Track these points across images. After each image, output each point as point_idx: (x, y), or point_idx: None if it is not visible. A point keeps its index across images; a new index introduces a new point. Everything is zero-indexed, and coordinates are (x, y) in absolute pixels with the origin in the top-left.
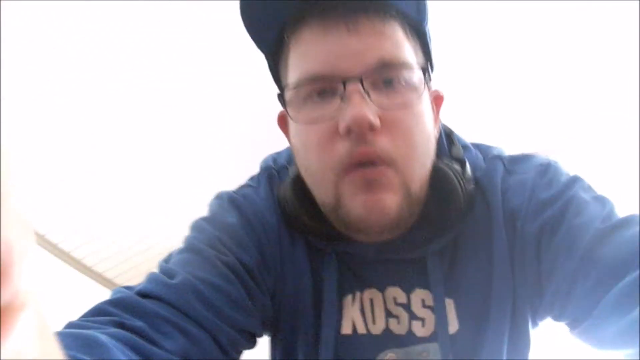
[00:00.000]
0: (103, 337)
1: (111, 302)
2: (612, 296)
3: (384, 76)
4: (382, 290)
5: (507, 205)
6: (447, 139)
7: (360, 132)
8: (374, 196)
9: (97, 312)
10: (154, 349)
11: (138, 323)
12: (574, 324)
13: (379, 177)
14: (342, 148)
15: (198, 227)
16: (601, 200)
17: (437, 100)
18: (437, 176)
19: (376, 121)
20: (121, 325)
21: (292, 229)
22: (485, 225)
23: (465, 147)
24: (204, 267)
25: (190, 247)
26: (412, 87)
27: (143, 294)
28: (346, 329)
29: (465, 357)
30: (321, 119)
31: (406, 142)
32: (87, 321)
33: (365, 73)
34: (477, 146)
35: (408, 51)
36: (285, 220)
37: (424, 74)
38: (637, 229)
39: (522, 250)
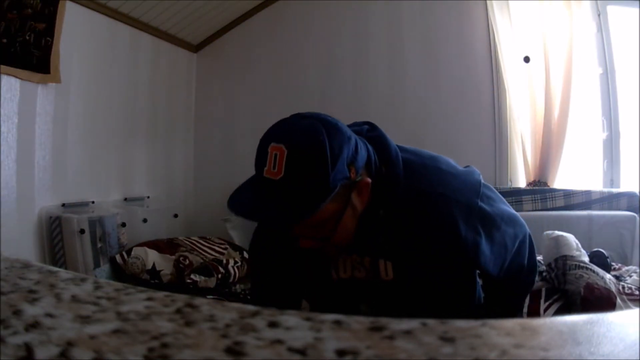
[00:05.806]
0: None
1: None
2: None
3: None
4: (350, 255)
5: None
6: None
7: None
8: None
9: None
10: None
11: None
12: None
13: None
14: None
15: None
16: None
17: (363, 187)
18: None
19: (314, 241)
20: None
21: None
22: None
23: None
24: None
25: None
26: (328, 216)
27: None
28: (334, 276)
29: (397, 297)
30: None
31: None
32: None
33: (311, 224)
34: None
35: (326, 210)
36: None
37: (346, 193)
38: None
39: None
